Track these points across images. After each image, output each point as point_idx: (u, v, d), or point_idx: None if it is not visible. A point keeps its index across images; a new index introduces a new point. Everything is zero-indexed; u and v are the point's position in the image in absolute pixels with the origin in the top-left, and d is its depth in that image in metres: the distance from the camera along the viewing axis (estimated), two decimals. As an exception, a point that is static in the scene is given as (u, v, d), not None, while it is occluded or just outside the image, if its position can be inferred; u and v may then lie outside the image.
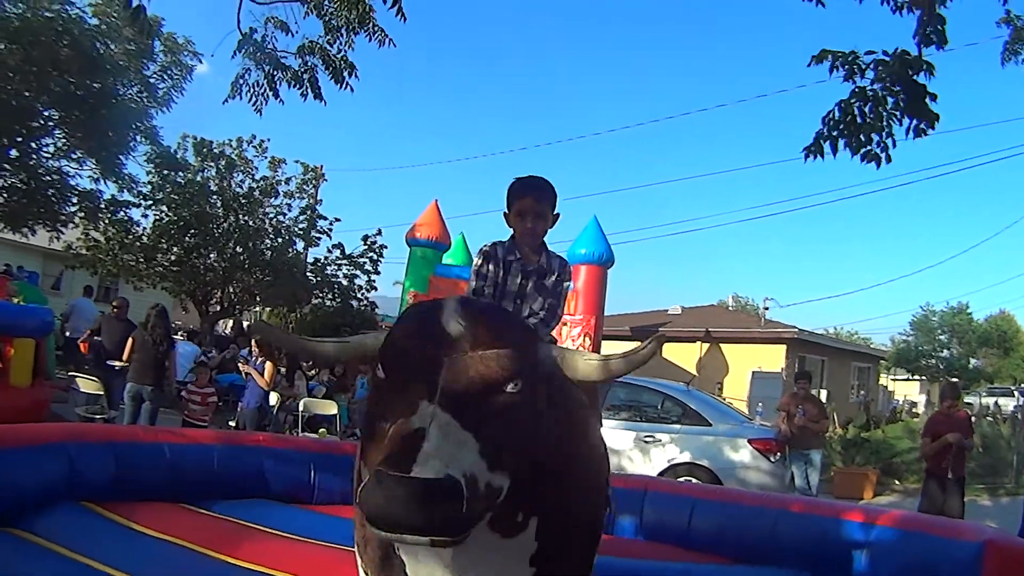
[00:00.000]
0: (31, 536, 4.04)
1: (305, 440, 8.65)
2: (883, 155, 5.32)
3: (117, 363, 10.01)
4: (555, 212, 3.06)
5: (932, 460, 8.44)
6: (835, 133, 5.26)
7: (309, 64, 6.91)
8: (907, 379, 50.05)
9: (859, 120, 5.21)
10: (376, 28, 6.74)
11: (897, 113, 5.20)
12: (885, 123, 5.22)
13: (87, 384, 9.92)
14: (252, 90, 6.85)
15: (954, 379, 10.66)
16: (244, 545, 4.23)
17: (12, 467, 4.29)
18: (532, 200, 2.97)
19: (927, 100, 5.01)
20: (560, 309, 3.06)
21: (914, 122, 5.11)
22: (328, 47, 6.83)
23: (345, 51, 6.83)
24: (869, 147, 5.27)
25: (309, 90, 6.94)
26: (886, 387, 40.22)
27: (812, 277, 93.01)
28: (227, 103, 6.93)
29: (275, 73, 6.83)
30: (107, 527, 4.36)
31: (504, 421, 1.85)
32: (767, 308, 29.07)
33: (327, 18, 6.68)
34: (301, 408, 11.98)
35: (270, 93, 6.92)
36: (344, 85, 6.93)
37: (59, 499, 4.44)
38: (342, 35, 6.75)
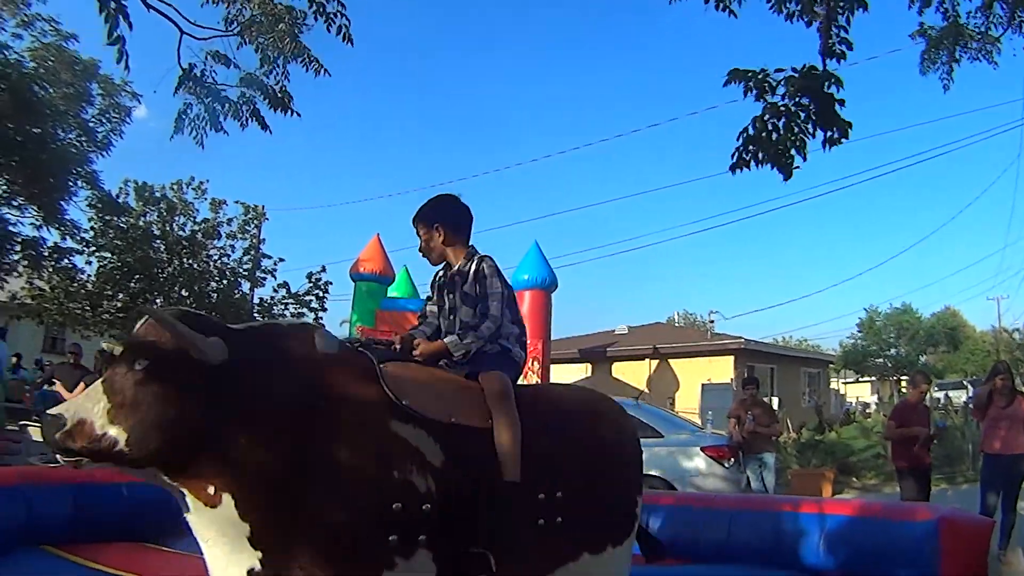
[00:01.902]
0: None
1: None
2: (789, 166, 5.38)
3: None
4: (436, 223, 3.35)
5: (898, 447, 8.55)
6: (753, 147, 5.31)
7: (248, 95, 6.94)
8: (857, 381, 50.94)
9: (774, 136, 5.27)
10: (311, 58, 6.80)
11: (809, 126, 5.25)
12: (797, 135, 5.27)
13: (40, 433, 9.77)
14: (194, 124, 6.87)
15: (919, 371, 10.86)
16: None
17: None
18: (416, 228, 3.39)
19: (836, 109, 5.09)
20: (493, 308, 3.18)
21: (828, 132, 5.16)
22: (265, 78, 6.87)
23: (282, 81, 6.89)
24: (787, 160, 5.33)
25: (252, 120, 6.97)
26: (837, 391, 40.86)
27: (757, 288, 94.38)
28: (172, 139, 6.94)
29: (216, 106, 6.85)
30: (69, 569, 4.31)
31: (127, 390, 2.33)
32: (712, 321, 29.52)
33: (262, 51, 6.73)
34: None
35: (211, 127, 6.95)
36: (289, 112, 6.98)
37: (17, 544, 4.39)
38: (277, 66, 6.82)
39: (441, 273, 3.38)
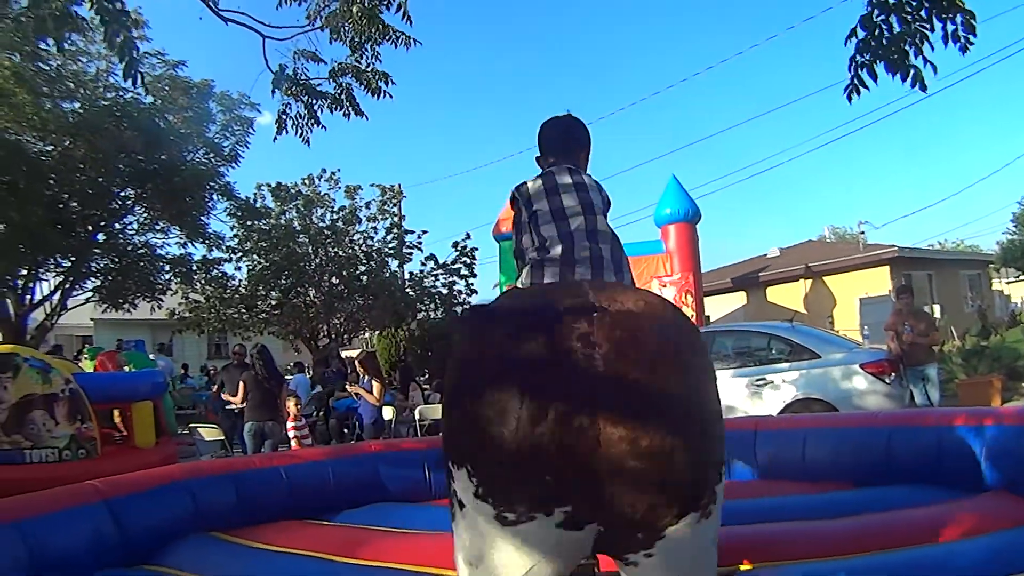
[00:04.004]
0: (168, 570, 4.26)
1: (414, 441, 8.85)
2: (923, 71, 4.80)
3: (234, 405, 10.50)
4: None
5: None
6: (867, 56, 4.86)
7: (344, 84, 7.09)
8: (1019, 279, 47.74)
9: (886, 34, 4.79)
10: (399, 34, 6.87)
11: (924, 13, 4.68)
12: (915, 29, 4.73)
13: (208, 432, 10.35)
14: (295, 122, 7.07)
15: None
16: (368, 546, 4.35)
17: (142, 509, 4.58)
18: None
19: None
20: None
21: (948, 25, 4.63)
22: (357, 64, 6.99)
23: (372, 63, 6.98)
24: (909, 64, 4.80)
25: (350, 109, 7.12)
26: (1001, 292, 38.58)
27: (905, 191, 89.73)
28: (276, 140, 7.19)
29: (313, 102, 7.04)
30: (235, 550, 4.56)
31: None
32: (863, 233, 28.28)
33: (349, 37, 6.83)
34: (418, 416, 12.22)
35: (314, 123, 7.15)
36: (381, 95, 7.09)
37: (188, 533, 4.69)
38: (366, 50, 6.91)
39: None
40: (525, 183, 3.05)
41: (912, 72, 4.80)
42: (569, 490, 2.00)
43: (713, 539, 2.20)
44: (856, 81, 4.94)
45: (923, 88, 4.85)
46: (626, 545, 2.10)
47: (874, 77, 4.90)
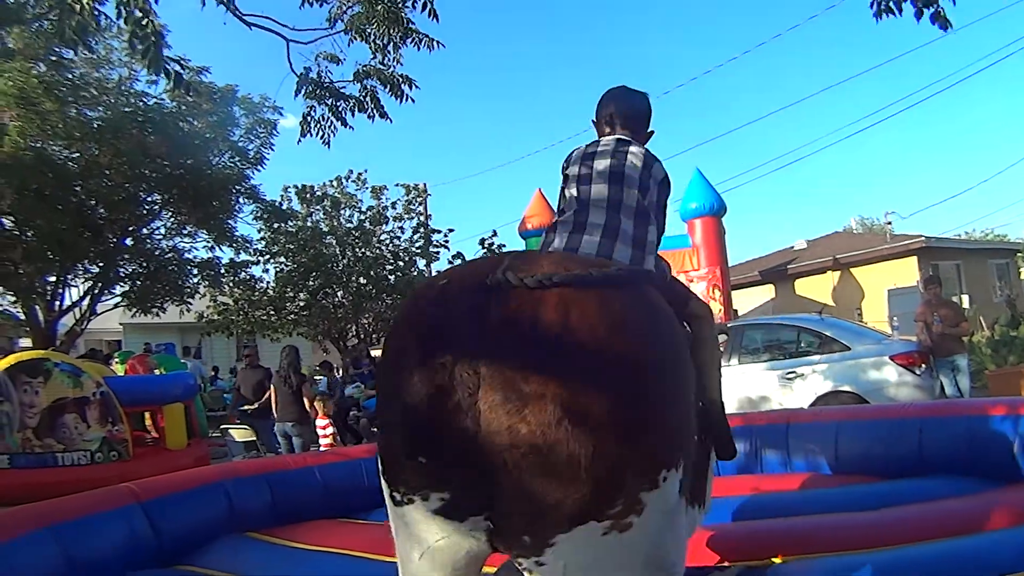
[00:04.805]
0: (204, 570, 4.32)
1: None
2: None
3: (249, 407, 10.61)
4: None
5: None
6: None
7: (368, 87, 7.14)
8: (1050, 266, 47.03)
9: None
10: (422, 36, 6.91)
11: None
12: None
13: (240, 433, 10.45)
14: (320, 125, 7.13)
15: None
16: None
17: (178, 510, 4.66)
18: None
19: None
20: None
21: None
22: (380, 67, 7.04)
23: (394, 67, 7.03)
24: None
25: (374, 111, 7.18)
26: (1029, 280, 38.04)
27: (931, 181, 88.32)
28: (300, 142, 7.25)
29: (338, 104, 7.09)
30: (270, 550, 4.63)
31: None
32: (889, 223, 28.04)
33: (371, 39, 6.88)
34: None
35: (338, 124, 7.20)
36: (404, 99, 7.14)
37: (224, 533, 4.75)
38: (389, 52, 6.96)
39: None
40: (575, 149, 2.94)
41: (935, 7, 4.73)
42: (448, 475, 1.86)
43: (643, 560, 1.92)
44: (881, 5, 4.86)
45: (944, 27, 4.78)
46: (518, 548, 1.89)
47: (899, 8, 4.80)
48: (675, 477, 1.92)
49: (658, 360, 1.96)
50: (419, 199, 24.49)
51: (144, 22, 4.90)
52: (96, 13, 4.93)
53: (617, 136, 2.91)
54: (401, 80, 7.14)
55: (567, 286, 1.91)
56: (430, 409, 1.81)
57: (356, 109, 7.14)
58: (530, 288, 1.88)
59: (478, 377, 1.78)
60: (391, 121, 7.27)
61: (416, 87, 7.22)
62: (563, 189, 2.86)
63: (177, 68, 5.35)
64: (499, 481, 1.78)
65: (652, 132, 3.08)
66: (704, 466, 2.53)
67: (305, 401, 9.66)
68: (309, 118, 7.11)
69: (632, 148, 2.84)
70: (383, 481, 2.04)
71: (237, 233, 20.58)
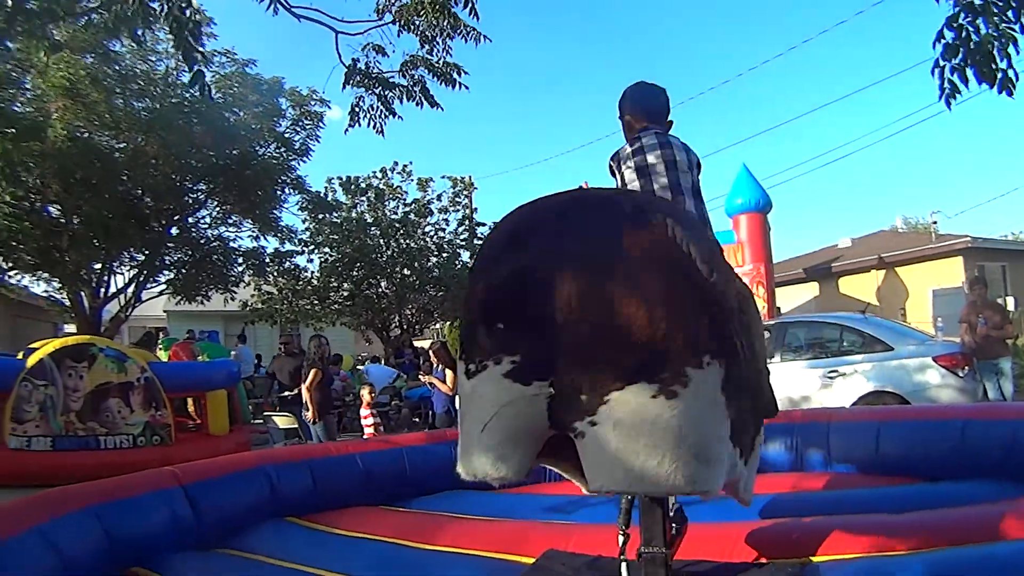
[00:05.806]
0: (244, 553, 4.39)
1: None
2: (1001, 75, 4.57)
3: (288, 393, 10.75)
4: (622, 116, 3.43)
5: None
6: (959, 61, 4.61)
7: (417, 77, 7.20)
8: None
9: (974, 37, 4.55)
10: (469, 29, 6.95)
11: (1011, 15, 4.47)
12: (1003, 31, 4.50)
13: (282, 420, 10.58)
14: (369, 114, 7.20)
15: None
16: (442, 532, 4.43)
17: (219, 494, 4.74)
18: None
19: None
20: None
21: None
22: (429, 56, 7.09)
23: (443, 57, 7.08)
24: (996, 68, 4.54)
25: (423, 100, 7.23)
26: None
27: (978, 180, 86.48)
28: (348, 132, 7.32)
29: (387, 93, 7.16)
30: (312, 535, 4.69)
31: None
32: (935, 223, 27.56)
33: (420, 31, 6.93)
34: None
35: (388, 113, 7.27)
36: (456, 86, 7.19)
37: (265, 517, 4.83)
38: (437, 44, 7.01)
39: None
40: (619, 149, 3.27)
41: (1000, 77, 4.60)
42: (519, 339, 2.14)
43: (683, 438, 2.04)
44: (949, 87, 4.73)
45: (1010, 93, 4.63)
46: (574, 410, 2.11)
47: (965, 82, 4.70)
48: (717, 369, 2.12)
49: (709, 263, 2.22)
50: (465, 192, 24.57)
51: (183, 5, 5.02)
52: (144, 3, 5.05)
53: (654, 130, 3.25)
54: (450, 69, 7.19)
55: (641, 206, 2.36)
56: (512, 282, 2.16)
57: (404, 97, 7.20)
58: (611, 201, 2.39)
59: (559, 258, 2.13)
60: (442, 109, 7.36)
61: (465, 73, 7.29)
62: (621, 184, 3.19)
63: (202, 67, 5.51)
64: (563, 341, 2.08)
65: (672, 122, 3.41)
66: (751, 421, 2.60)
67: (304, 392, 9.54)
68: (358, 108, 7.18)
69: (673, 139, 3.22)
70: (460, 361, 2.29)
71: (282, 223, 20.92)
